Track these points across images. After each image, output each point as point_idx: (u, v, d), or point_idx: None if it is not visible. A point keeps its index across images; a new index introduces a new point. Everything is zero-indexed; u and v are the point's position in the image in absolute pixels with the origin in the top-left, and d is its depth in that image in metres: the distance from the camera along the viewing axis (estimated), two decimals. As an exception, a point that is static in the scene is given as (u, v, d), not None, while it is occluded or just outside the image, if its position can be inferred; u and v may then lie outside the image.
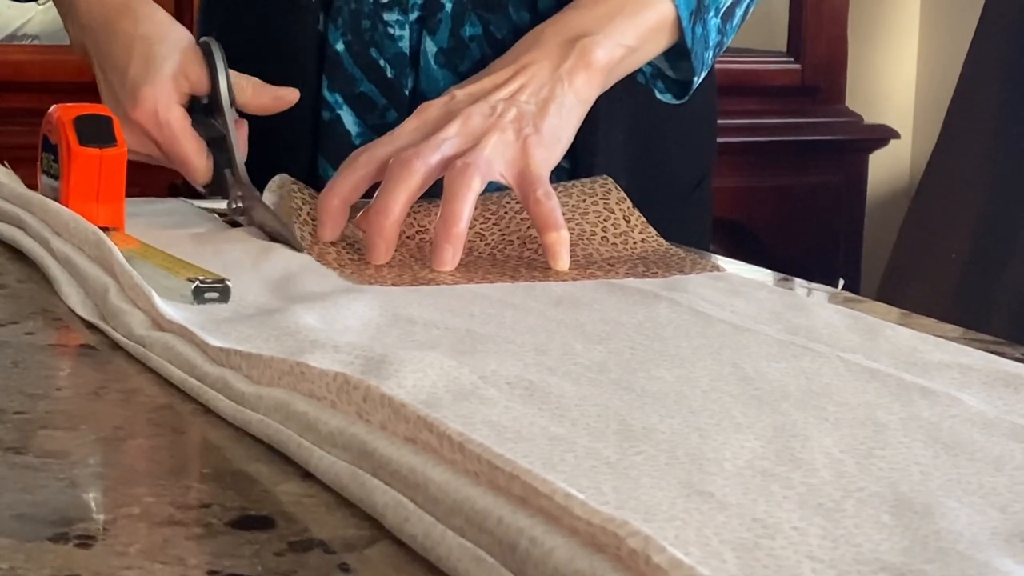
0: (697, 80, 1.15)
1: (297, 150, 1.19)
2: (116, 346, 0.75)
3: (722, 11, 1.14)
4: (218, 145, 1.06)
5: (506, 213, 1.02)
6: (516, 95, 1.00)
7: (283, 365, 0.62)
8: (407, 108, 1.03)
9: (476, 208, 0.96)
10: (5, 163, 1.10)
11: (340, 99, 1.19)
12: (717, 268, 0.97)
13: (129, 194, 1.00)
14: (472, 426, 0.60)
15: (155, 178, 2.01)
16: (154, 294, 0.76)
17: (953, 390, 0.69)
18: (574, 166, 1.18)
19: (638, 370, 0.71)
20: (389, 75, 1.19)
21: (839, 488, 0.55)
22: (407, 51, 1.18)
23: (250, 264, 0.92)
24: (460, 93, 1.00)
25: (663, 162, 1.31)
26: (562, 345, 0.75)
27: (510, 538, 0.46)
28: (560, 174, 1.14)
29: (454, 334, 0.76)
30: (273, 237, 0.99)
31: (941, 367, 0.73)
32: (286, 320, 0.76)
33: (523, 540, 0.45)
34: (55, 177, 0.99)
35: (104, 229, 0.88)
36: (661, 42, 1.10)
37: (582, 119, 1.03)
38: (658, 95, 1.19)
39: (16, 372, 0.70)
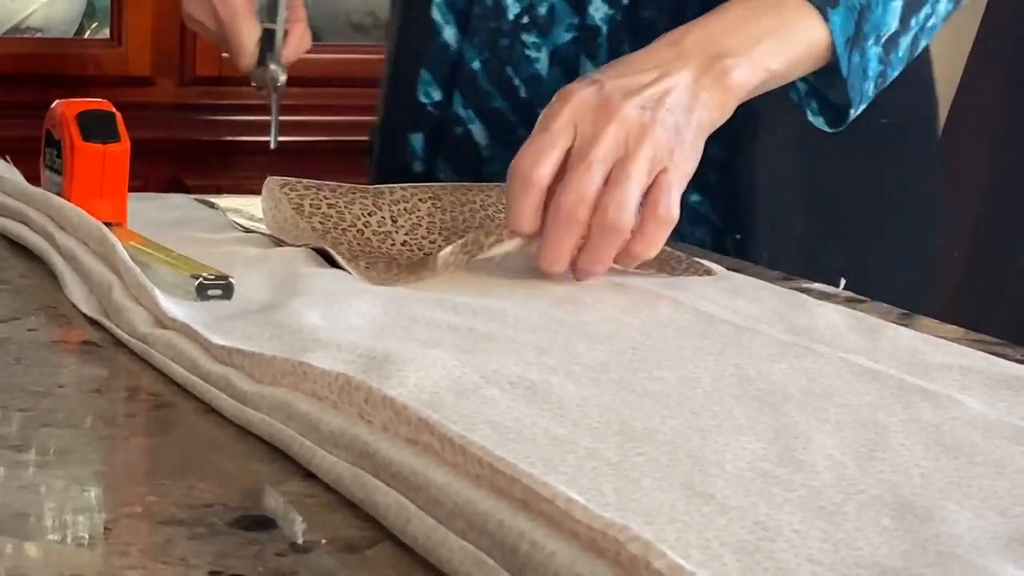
0: (854, 112, 1.08)
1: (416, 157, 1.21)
2: (119, 343, 0.75)
3: (883, 39, 1.06)
4: (270, 39, 1.18)
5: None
6: (663, 99, 0.94)
7: (285, 365, 0.62)
8: None
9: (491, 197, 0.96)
10: (6, 157, 1.10)
11: (472, 114, 1.21)
12: (709, 273, 0.97)
13: (132, 188, 1.00)
14: (474, 426, 0.60)
15: (158, 173, 2.01)
16: (157, 291, 0.76)
17: (954, 392, 0.69)
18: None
19: (640, 370, 0.71)
20: (523, 95, 1.19)
21: (840, 491, 0.55)
22: (544, 73, 1.19)
23: (254, 260, 0.92)
24: (609, 83, 0.95)
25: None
26: (564, 345, 0.75)
27: (511, 541, 0.46)
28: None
29: (456, 333, 0.76)
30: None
31: (942, 369, 0.73)
32: (289, 318, 0.76)
33: (524, 543, 0.46)
34: (58, 172, 0.99)
35: (107, 224, 0.88)
36: (808, 67, 1.04)
37: (703, 143, 0.98)
38: (810, 117, 1.12)
39: (19, 369, 0.70)
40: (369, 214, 0.99)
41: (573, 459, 0.57)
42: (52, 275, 0.88)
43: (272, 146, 1.22)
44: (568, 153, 0.92)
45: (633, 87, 0.94)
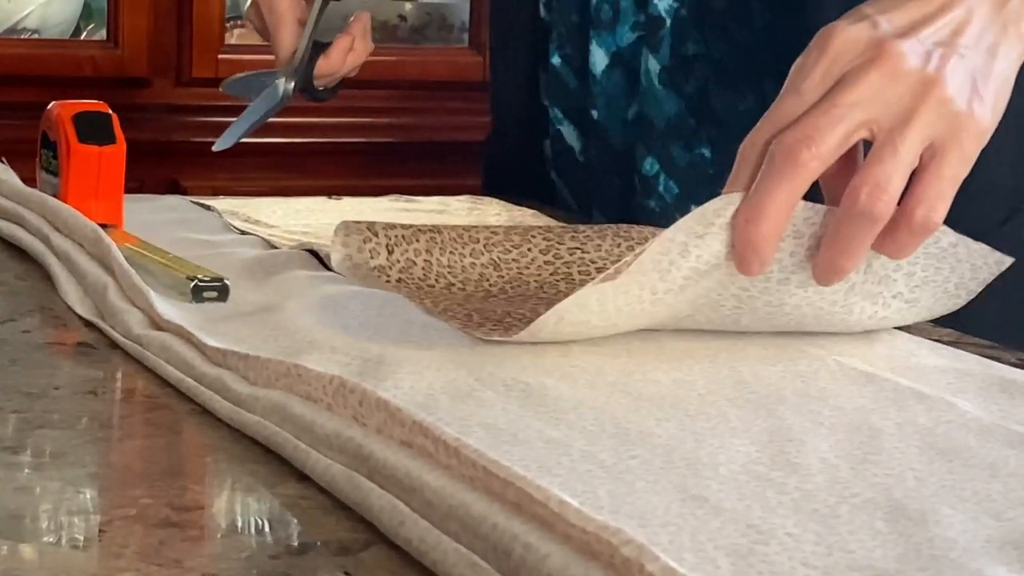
0: None
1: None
2: (114, 345, 0.75)
3: None
4: (318, 48, 1.24)
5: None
6: (955, 38, 0.73)
7: (280, 367, 0.62)
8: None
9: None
10: (2, 159, 1.10)
11: (560, 114, 1.19)
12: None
13: (127, 190, 1.00)
14: (468, 428, 0.60)
15: (154, 174, 2.01)
16: (152, 293, 0.76)
17: (948, 395, 0.69)
18: None
19: (635, 372, 0.71)
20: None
21: (834, 494, 0.55)
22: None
23: (249, 262, 0.92)
24: (882, 20, 0.72)
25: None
26: (559, 347, 0.75)
27: (505, 544, 0.46)
28: None
29: (451, 335, 0.76)
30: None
31: (936, 371, 0.74)
32: (284, 320, 0.76)
33: (518, 546, 0.46)
34: (54, 174, 0.99)
35: (103, 226, 0.88)
36: None
37: (1008, 96, 0.75)
38: None
39: (14, 370, 0.70)
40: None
41: (567, 462, 0.57)
42: (47, 277, 0.88)
43: (214, 147, 1.24)
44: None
45: (913, 21, 0.73)
